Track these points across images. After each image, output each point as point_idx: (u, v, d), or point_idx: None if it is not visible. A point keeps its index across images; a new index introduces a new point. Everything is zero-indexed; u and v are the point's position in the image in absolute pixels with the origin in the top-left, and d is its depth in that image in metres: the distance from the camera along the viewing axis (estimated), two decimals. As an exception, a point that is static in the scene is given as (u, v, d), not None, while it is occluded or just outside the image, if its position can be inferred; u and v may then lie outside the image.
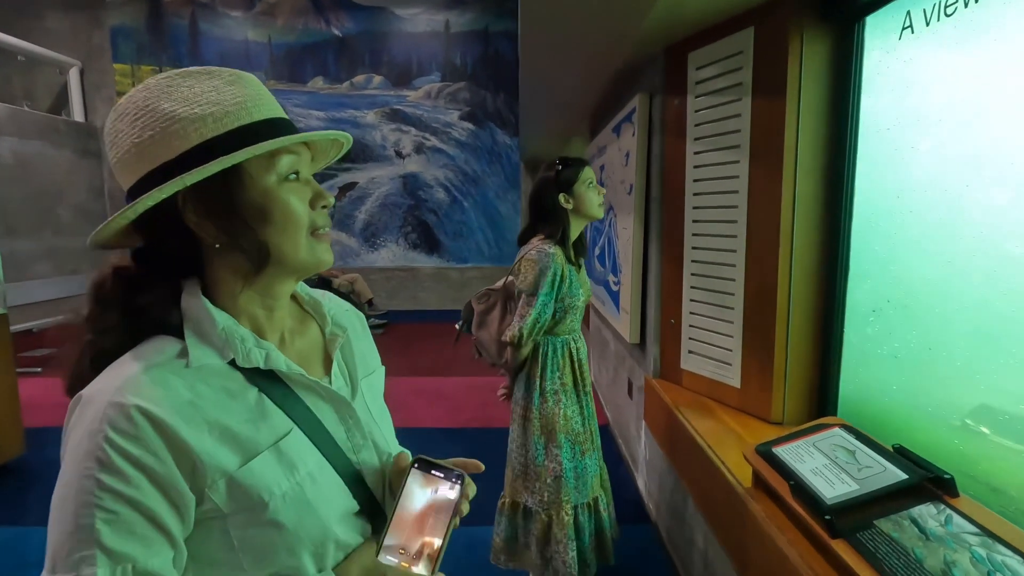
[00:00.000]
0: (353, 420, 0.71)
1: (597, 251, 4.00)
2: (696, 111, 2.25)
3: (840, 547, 1.09)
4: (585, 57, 2.72)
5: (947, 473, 1.12)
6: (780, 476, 1.34)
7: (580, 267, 1.98)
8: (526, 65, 3.13)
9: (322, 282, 6.45)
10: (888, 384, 1.74)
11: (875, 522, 1.11)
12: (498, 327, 1.90)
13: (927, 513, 1.09)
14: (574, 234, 1.95)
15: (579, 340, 1.94)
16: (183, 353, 0.60)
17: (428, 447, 0.75)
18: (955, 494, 1.11)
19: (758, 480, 1.50)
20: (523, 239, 1.92)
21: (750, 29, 1.97)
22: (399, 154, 8.40)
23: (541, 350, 1.85)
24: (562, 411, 1.84)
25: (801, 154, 1.89)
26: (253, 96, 0.62)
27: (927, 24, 1.51)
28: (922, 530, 1.06)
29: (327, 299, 0.81)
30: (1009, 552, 0.94)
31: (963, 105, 1.43)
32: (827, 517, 1.13)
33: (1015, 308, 1.26)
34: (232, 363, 0.62)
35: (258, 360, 0.63)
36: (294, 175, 0.64)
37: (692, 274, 2.35)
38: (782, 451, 1.40)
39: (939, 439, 1.52)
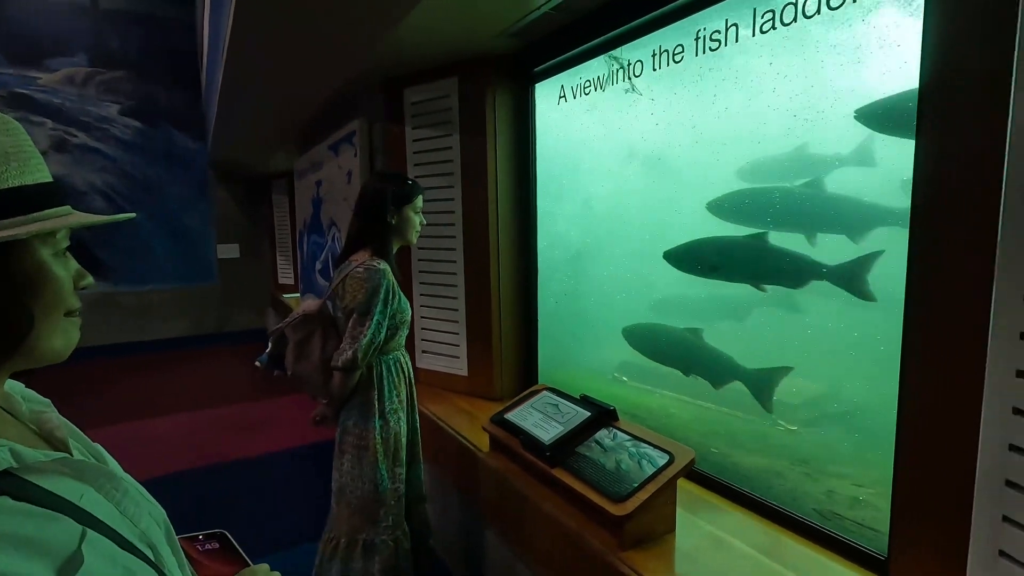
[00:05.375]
0: (119, 490, 0.62)
1: (319, 266, 4.00)
2: (414, 140, 2.57)
3: (558, 473, 1.52)
4: (303, 78, 2.76)
5: (611, 406, 1.67)
6: (511, 435, 1.74)
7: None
8: (231, 71, 2.97)
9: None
10: (568, 355, 2.38)
11: (576, 450, 1.58)
12: (321, 355, 1.75)
13: (603, 435, 1.61)
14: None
15: (406, 354, 1.91)
16: None
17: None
18: (617, 419, 1.66)
19: (495, 443, 1.88)
20: (347, 252, 1.79)
21: (455, 78, 2.38)
22: (29, 151, 6.51)
23: (375, 371, 1.77)
24: (402, 428, 1.82)
25: (500, 182, 2.39)
26: (28, 150, 0.55)
27: (574, 97, 2.13)
28: (601, 446, 1.56)
29: None
30: (647, 446, 1.50)
31: (593, 153, 2.10)
32: (547, 454, 1.55)
33: (632, 299, 1.95)
34: None
35: (7, 460, 0.51)
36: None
37: (421, 283, 2.66)
38: (511, 416, 1.80)
39: (603, 388, 2.19)
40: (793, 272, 1.49)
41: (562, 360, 2.43)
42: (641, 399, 2.09)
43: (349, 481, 1.79)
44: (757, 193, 1.59)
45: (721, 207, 1.67)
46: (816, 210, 1.47)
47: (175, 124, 7.32)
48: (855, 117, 1.32)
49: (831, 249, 1.43)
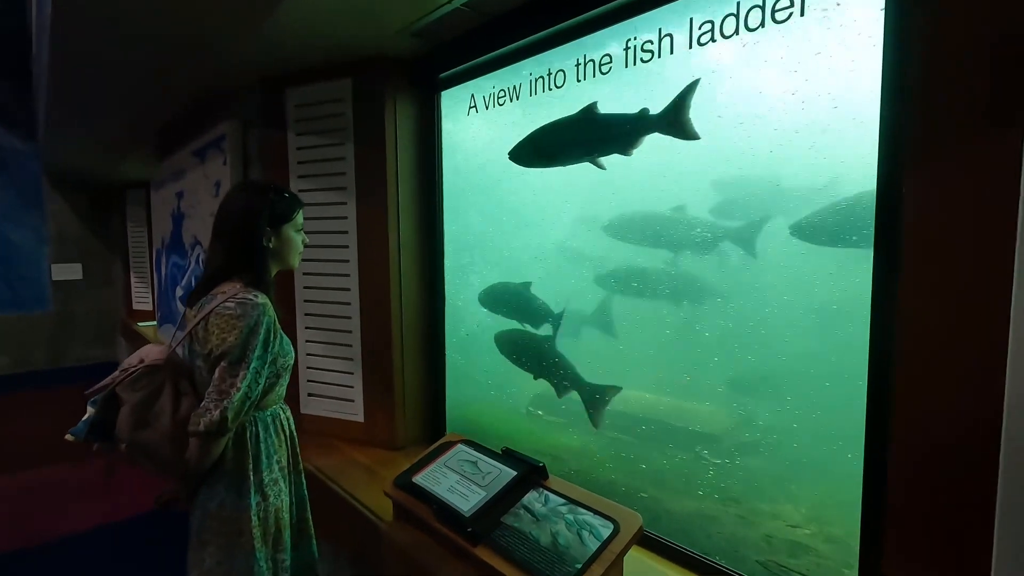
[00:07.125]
0: None
1: (180, 291, 3.40)
2: (299, 148, 2.20)
3: (482, 552, 1.25)
4: (154, 72, 2.28)
5: (540, 462, 1.44)
6: (421, 503, 1.44)
7: None
8: (58, 59, 2.39)
9: None
10: (479, 391, 2.13)
11: (502, 519, 1.32)
12: (172, 418, 1.33)
13: (533, 498, 1.37)
14: None
15: (286, 408, 1.55)
16: None
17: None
18: (547, 477, 1.43)
19: (400, 510, 1.56)
20: (210, 282, 1.40)
21: (348, 79, 2.07)
22: None
23: (249, 433, 1.39)
24: (284, 502, 1.45)
25: (402, 199, 2.10)
26: None
27: (486, 108, 1.92)
28: (532, 513, 1.32)
29: None
30: (585, 511, 1.28)
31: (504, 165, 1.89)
32: (468, 529, 1.28)
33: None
34: None
35: None
36: None
37: (306, 314, 2.27)
38: (420, 479, 1.50)
39: (519, 424, 1.97)
40: (537, 312, 1.89)
41: (472, 398, 2.17)
42: (560, 437, 1.90)
43: None
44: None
45: (611, 228, 1.66)
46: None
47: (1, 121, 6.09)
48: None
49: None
